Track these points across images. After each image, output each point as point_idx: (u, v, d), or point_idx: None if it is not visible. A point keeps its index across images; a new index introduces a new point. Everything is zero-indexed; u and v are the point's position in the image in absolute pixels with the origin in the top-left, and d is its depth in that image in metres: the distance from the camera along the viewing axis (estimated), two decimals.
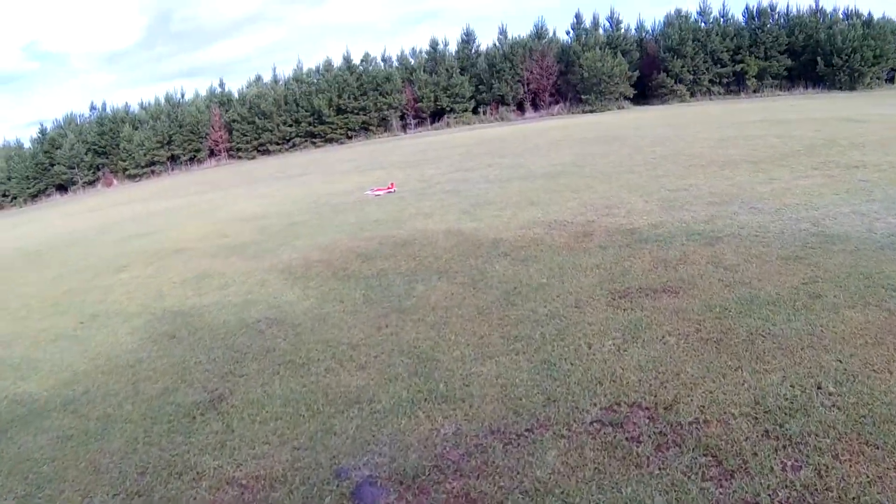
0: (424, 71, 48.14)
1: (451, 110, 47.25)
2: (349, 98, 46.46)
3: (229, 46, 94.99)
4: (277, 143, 47.21)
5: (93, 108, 52.10)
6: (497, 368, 4.45)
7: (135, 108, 51.72)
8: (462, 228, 9.08)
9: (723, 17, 43.98)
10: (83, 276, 10.38)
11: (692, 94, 42.87)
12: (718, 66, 42.65)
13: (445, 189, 13.13)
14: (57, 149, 48.50)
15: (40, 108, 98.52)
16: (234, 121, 47.41)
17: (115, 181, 48.85)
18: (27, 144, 50.75)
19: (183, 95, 51.52)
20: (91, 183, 49.06)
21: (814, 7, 42.28)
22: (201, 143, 48.29)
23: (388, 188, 13.92)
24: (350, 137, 47.13)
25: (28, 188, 48.24)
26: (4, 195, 48.45)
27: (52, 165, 48.33)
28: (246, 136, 47.26)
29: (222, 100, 50.24)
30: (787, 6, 43.46)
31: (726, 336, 4.59)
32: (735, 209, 8.31)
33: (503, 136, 26.85)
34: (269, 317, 6.45)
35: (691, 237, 7.20)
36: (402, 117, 48.13)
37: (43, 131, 51.04)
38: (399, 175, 16.89)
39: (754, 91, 41.72)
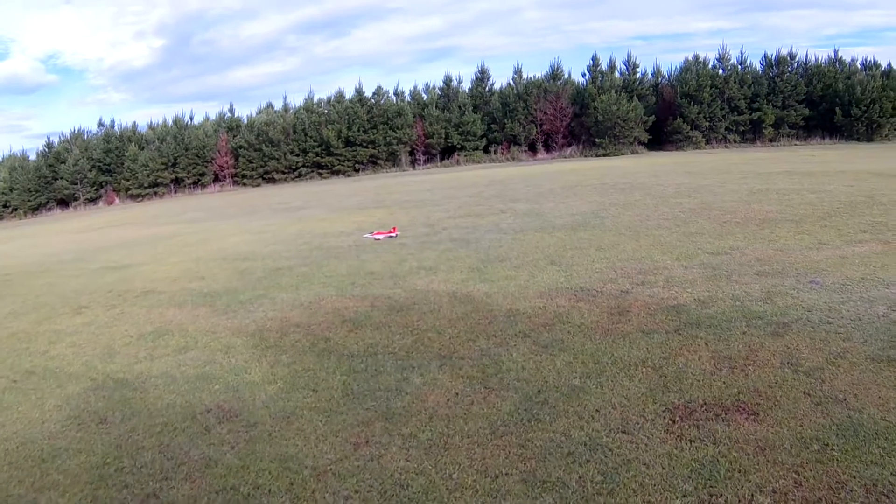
0: (437, 107, 47.34)
1: (462, 148, 46.25)
2: (359, 130, 45.55)
3: (245, 73, 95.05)
4: (283, 172, 46.22)
5: (101, 124, 51.52)
6: None
7: (143, 127, 51.11)
8: (471, 292, 7.68)
9: (740, 64, 43.18)
10: (37, 315, 9.10)
11: (707, 141, 41.83)
12: (735, 113, 41.64)
13: (453, 237, 11.80)
14: (62, 163, 47.81)
15: (56, 121, 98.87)
16: (240, 147, 46.53)
17: (117, 200, 47.94)
18: (33, 157, 50.39)
19: (192, 118, 50.83)
20: (93, 200, 48.17)
21: (832, 57, 41.70)
22: (206, 167, 47.37)
23: (390, 232, 12.62)
24: (357, 170, 46.13)
25: (29, 201, 47.44)
26: (6, 206, 47.59)
27: (56, 180, 47.56)
28: (252, 162, 46.33)
29: (231, 125, 49.47)
30: (806, 55, 43.00)
31: (837, 496, 3.22)
32: (792, 283, 6.96)
33: (515, 177, 25.64)
34: (222, 406, 5.07)
35: (752, 322, 5.83)
36: (411, 152, 47.15)
37: (49, 145, 50.45)
38: (403, 217, 15.63)
39: (770, 140, 40.66)
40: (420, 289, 7.98)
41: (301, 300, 7.96)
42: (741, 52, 43.28)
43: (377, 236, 12.47)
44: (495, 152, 46.31)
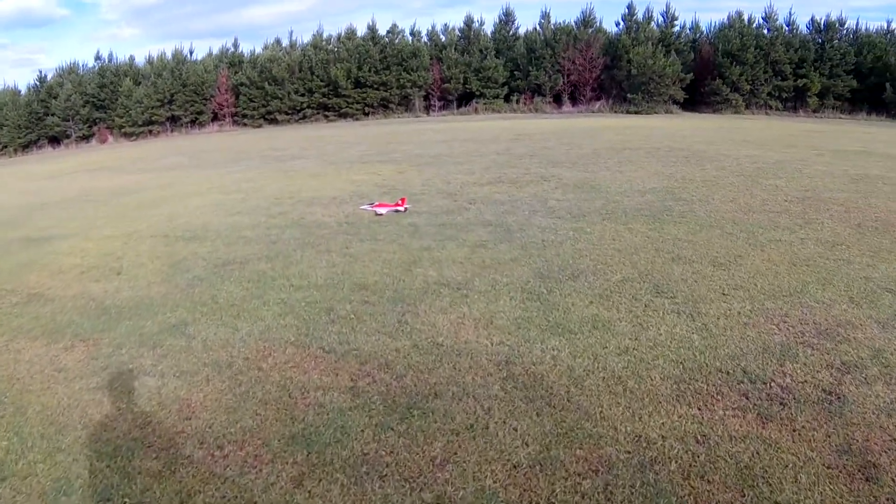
0: (455, 49, 43.26)
1: (482, 95, 42.44)
2: (370, 71, 41.75)
3: (259, 12, 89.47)
4: (287, 113, 42.68)
5: (97, 57, 47.57)
6: None
7: (142, 62, 47.24)
8: (540, 367, 4.23)
9: (787, 26, 38.96)
10: None
11: (747, 106, 38.04)
12: (778, 78, 37.74)
13: (485, 218, 8.49)
14: (53, 98, 44.31)
15: (66, 56, 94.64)
16: (241, 84, 42.91)
17: (110, 138, 44.62)
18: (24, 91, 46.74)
19: (192, 52, 46.88)
20: (86, 138, 44.84)
21: (885, 27, 37.48)
22: (205, 105, 43.86)
23: (397, 205, 9.32)
24: (367, 114, 42.48)
25: (19, 138, 44.08)
26: None
27: (47, 116, 44.09)
28: (253, 101, 42.75)
29: (233, 61, 45.65)
30: (857, 23, 39.01)
31: None
32: None
33: (545, 132, 22.07)
34: None
35: None
36: (426, 97, 43.39)
37: (42, 78, 46.77)
38: (415, 178, 12.30)
39: (814, 111, 36.87)
40: (444, 342, 4.64)
41: (231, 356, 4.62)
42: (789, 13, 39.16)
43: (379, 209, 9.20)
44: (517, 102, 42.48)
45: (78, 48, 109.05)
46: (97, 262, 7.52)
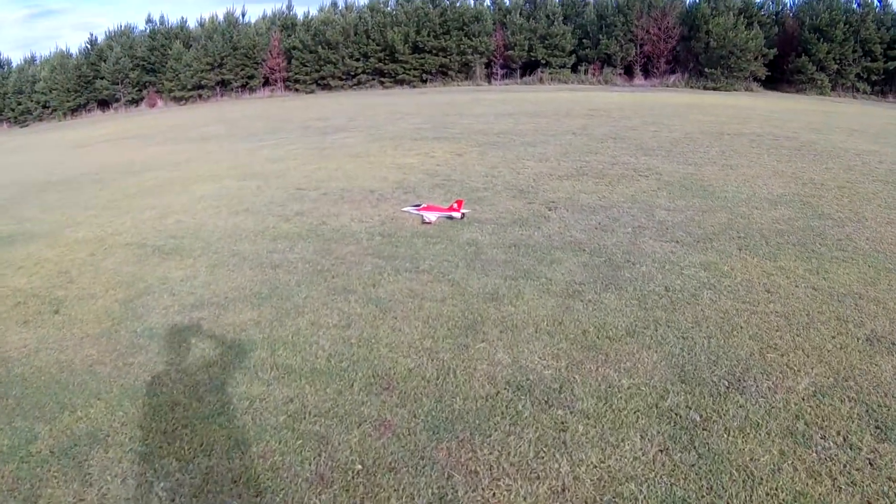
0: (521, 14, 40.33)
1: (547, 64, 39.54)
2: (429, 35, 39.24)
3: None
4: (340, 79, 40.73)
5: (149, 20, 46.37)
6: None
7: (193, 24, 45.71)
8: None
9: (879, 1, 34.98)
10: None
11: (833, 88, 34.38)
12: (868, 59, 34.04)
13: (573, 238, 6.07)
14: (103, 61, 43.33)
15: (129, 18, 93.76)
16: (294, 48, 41.08)
17: (160, 102, 43.50)
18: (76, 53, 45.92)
19: (244, 15, 45.06)
20: (135, 102, 43.98)
21: None
22: (256, 69, 42.20)
23: (451, 209, 6.98)
24: (424, 81, 40.10)
25: (68, 101, 43.45)
26: (45, 106, 43.62)
27: (97, 79, 43.21)
28: (306, 66, 40.92)
29: (285, 23, 43.73)
30: None
31: None
32: None
33: (623, 107, 19.27)
34: None
35: None
36: (487, 65, 40.68)
37: (92, 41, 45.87)
38: (476, 163, 9.93)
39: None
40: None
41: None
42: None
43: (427, 215, 6.88)
44: (585, 72, 39.54)
45: (137, 12, 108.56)
46: (42, 287, 5.45)
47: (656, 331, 4.03)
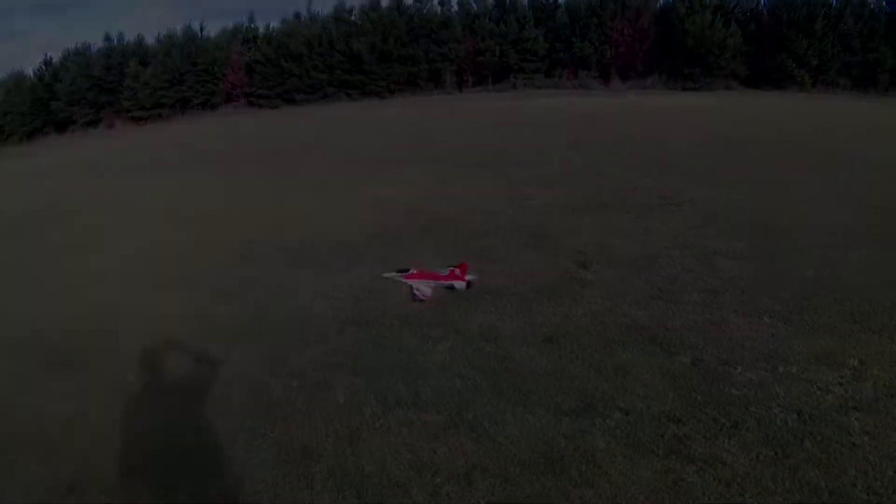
0: (490, 19, 38.84)
1: (520, 69, 38.07)
2: (395, 44, 37.56)
3: None
4: (305, 92, 38.82)
5: (107, 38, 43.96)
6: None
7: (150, 40, 43.50)
8: None
9: None
10: None
11: (813, 84, 33.51)
12: (848, 53, 33.41)
13: (634, 320, 4.38)
14: (58, 82, 41.09)
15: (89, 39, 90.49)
16: (256, 62, 39.18)
17: (117, 123, 41.22)
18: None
19: (202, 29, 42.88)
20: (93, 123, 41.54)
21: None
22: (217, 85, 40.12)
23: (452, 276, 5.25)
24: (392, 91, 38.34)
25: (24, 125, 41.05)
26: (1, 131, 41.01)
27: (52, 101, 40.87)
28: (269, 80, 39.03)
29: (246, 36, 41.80)
30: None
31: None
32: None
33: (611, 115, 17.84)
34: None
35: None
36: (458, 72, 39.06)
37: (47, 61, 43.61)
38: (469, 192, 8.25)
39: (885, 89, 32.13)
40: None
41: None
42: None
43: (418, 286, 5.11)
44: (559, 76, 38.12)
45: (99, 31, 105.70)
46: None
47: None
